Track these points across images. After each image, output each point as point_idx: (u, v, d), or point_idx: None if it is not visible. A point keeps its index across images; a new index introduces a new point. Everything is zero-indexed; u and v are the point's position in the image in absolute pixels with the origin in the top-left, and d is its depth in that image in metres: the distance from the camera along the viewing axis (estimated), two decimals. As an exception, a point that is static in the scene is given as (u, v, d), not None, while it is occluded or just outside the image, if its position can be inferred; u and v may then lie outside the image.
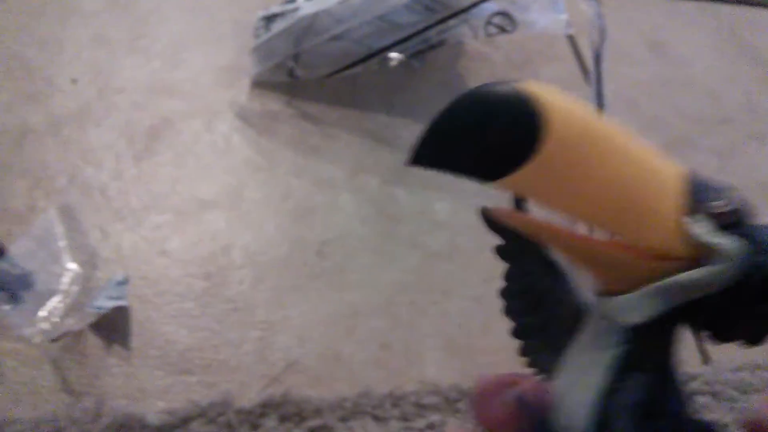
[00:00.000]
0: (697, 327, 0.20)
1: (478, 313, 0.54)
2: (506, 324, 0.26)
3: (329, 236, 0.56)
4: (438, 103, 0.71)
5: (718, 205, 0.18)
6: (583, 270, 0.20)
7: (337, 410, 0.49)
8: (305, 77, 0.62)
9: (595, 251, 0.19)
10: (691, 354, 0.56)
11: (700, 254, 0.18)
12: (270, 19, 0.63)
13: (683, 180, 0.18)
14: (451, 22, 0.61)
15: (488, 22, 0.60)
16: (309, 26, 0.61)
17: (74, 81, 0.61)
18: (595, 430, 0.19)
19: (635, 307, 0.19)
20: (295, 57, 0.62)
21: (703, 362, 0.56)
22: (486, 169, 0.18)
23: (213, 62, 0.64)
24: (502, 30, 0.60)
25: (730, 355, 0.56)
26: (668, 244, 0.18)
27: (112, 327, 0.47)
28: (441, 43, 0.62)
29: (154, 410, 0.44)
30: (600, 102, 0.56)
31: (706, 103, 0.73)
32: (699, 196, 0.18)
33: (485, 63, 0.70)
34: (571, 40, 0.72)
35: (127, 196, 0.55)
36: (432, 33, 0.62)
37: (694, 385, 0.55)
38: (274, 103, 0.63)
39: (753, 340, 0.19)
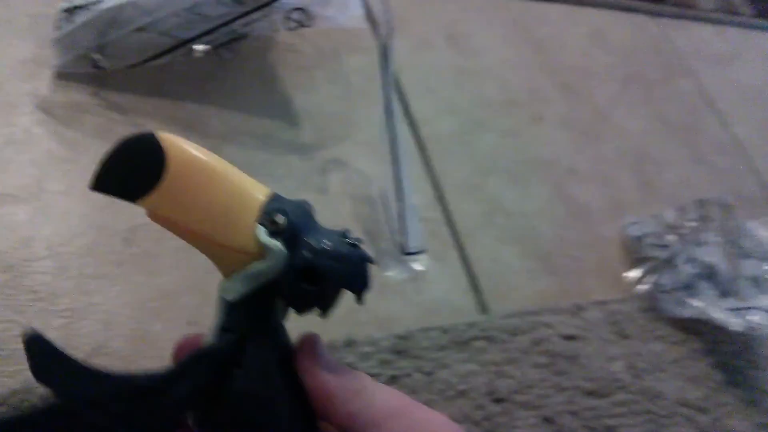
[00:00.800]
0: (284, 303, 0.27)
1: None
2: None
3: (136, 223, 0.58)
4: (248, 91, 0.77)
5: (275, 218, 0.25)
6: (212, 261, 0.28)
7: (145, 386, 0.52)
8: (110, 68, 0.63)
9: (208, 248, 0.27)
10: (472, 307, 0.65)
11: (264, 252, 0.25)
12: (72, 11, 0.63)
13: (264, 198, 0.26)
14: (254, 15, 0.65)
15: (287, 17, 0.65)
16: (114, 18, 0.62)
17: None
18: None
19: (230, 288, 0.26)
20: (100, 48, 0.63)
21: (480, 312, 0.66)
22: (131, 192, 0.26)
23: (11, 55, 0.63)
24: (301, 24, 0.65)
25: (502, 304, 0.66)
26: (247, 244, 0.26)
27: None
28: (244, 36, 0.66)
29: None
30: (387, 91, 0.63)
31: (495, 88, 0.83)
32: (268, 210, 0.26)
33: (294, 54, 0.74)
34: (376, 32, 0.78)
35: None
36: (236, 25, 0.65)
37: (472, 332, 0.64)
38: (79, 95, 0.63)
39: (321, 311, 0.27)
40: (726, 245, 0.81)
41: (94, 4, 0.62)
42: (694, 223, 0.81)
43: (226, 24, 0.64)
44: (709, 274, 0.78)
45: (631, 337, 0.74)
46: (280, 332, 0.28)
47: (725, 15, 1.24)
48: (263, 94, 0.70)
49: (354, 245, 0.26)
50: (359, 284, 0.26)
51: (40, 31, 0.64)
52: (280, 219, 0.25)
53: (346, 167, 0.69)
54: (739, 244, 0.83)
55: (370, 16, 0.67)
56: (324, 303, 0.26)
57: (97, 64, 0.62)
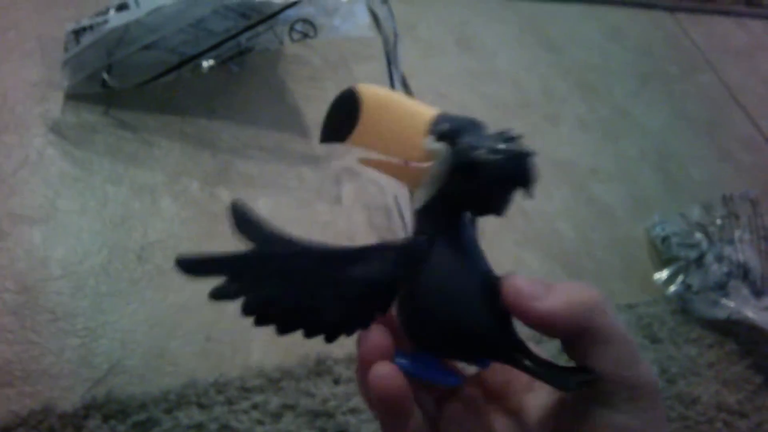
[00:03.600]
0: (462, 209, 0.30)
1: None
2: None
3: (149, 240, 0.58)
4: (258, 104, 0.77)
5: (439, 126, 0.28)
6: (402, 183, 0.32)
7: (162, 403, 0.51)
8: (119, 87, 0.63)
9: (400, 170, 0.31)
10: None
11: (434, 159, 0.28)
12: (79, 32, 0.63)
13: (431, 117, 0.29)
14: (260, 28, 0.65)
15: (291, 28, 0.64)
16: (120, 37, 0.62)
17: None
18: None
19: (416, 198, 0.30)
20: (108, 68, 0.63)
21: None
22: (342, 135, 0.31)
23: (22, 78, 0.64)
24: (306, 35, 0.64)
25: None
26: (421, 157, 0.29)
27: None
28: (250, 49, 0.65)
29: (-34, 425, 0.45)
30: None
31: (508, 90, 0.81)
32: (434, 124, 0.29)
33: (303, 65, 0.74)
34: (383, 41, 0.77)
35: (-69, 218, 0.54)
36: (242, 39, 0.65)
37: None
38: (90, 115, 0.64)
39: (495, 210, 0.28)
40: (756, 242, 0.78)
41: (100, 24, 0.62)
42: (720, 221, 0.78)
43: (231, 38, 0.64)
44: (741, 272, 0.75)
45: (662, 341, 0.71)
46: (468, 236, 0.30)
47: (745, 7, 1.21)
48: (272, 106, 0.70)
49: (512, 140, 0.27)
50: (519, 175, 0.27)
51: (50, 53, 0.65)
52: (444, 126, 0.28)
53: (359, 177, 0.68)
54: (768, 241, 0.80)
55: (376, 24, 0.66)
56: (492, 200, 0.28)
57: (106, 84, 0.63)
